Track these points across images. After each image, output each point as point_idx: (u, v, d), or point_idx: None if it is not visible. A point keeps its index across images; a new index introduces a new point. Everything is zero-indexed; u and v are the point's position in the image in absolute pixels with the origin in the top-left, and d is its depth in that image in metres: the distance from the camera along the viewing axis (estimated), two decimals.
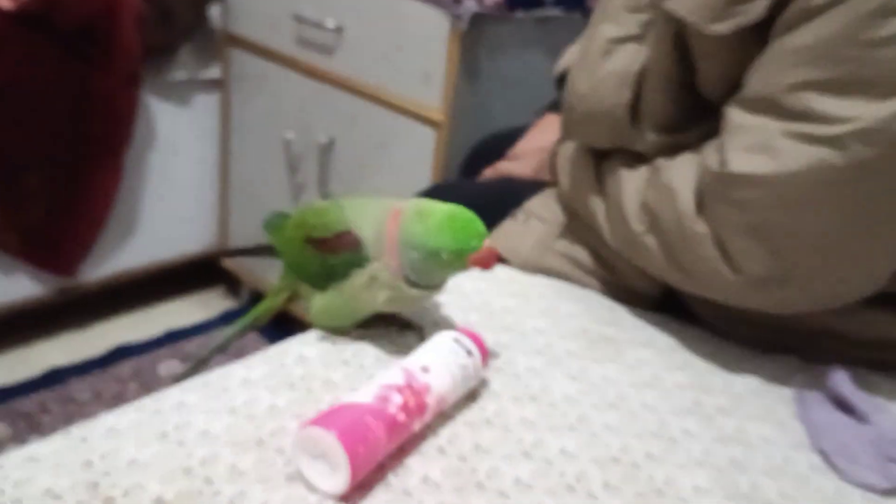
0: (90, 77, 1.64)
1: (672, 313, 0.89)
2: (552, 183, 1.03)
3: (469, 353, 0.66)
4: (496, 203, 1.00)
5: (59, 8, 1.55)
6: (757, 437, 0.70)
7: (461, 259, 0.64)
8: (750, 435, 0.70)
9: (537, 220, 0.97)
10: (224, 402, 0.64)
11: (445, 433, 0.64)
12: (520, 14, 1.46)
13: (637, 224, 0.81)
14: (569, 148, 0.95)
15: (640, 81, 0.81)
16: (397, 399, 0.59)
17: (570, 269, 0.93)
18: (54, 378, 1.75)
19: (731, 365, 0.80)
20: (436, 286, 0.70)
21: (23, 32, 1.53)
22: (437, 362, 0.64)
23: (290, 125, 1.75)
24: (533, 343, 0.78)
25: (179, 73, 1.81)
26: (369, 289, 0.69)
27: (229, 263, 2.05)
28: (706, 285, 0.78)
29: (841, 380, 0.75)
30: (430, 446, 0.62)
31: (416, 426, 0.61)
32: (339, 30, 1.57)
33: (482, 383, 0.70)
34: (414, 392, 0.60)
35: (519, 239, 0.95)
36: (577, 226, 0.94)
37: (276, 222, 0.80)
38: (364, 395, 0.59)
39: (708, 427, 0.70)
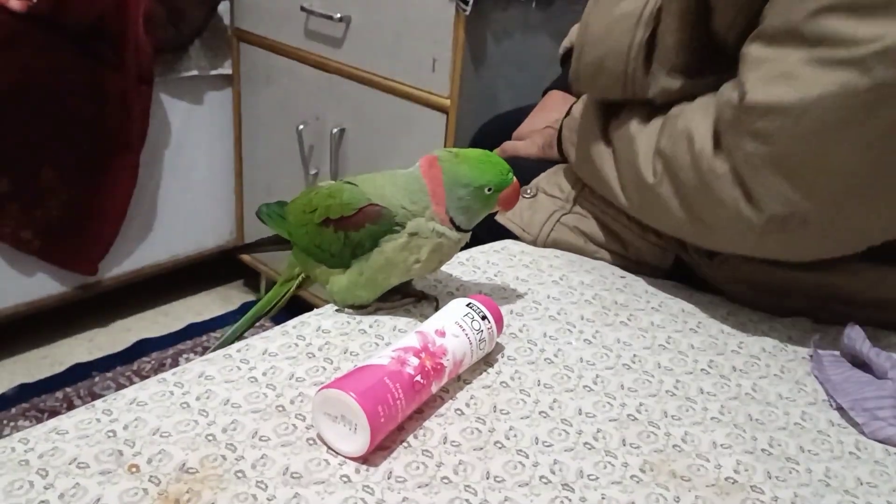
0: (103, 75, 1.66)
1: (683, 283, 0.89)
2: (559, 160, 1.03)
3: (484, 317, 0.67)
4: None
5: (69, 7, 1.57)
6: (774, 396, 0.71)
7: (496, 195, 0.71)
8: (767, 393, 0.71)
9: (546, 195, 0.97)
10: (245, 372, 0.65)
11: (463, 396, 0.65)
12: None
13: (651, 176, 0.80)
14: (574, 120, 0.95)
15: (655, 21, 0.80)
16: (414, 361, 0.60)
17: (582, 243, 0.93)
18: (78, 374, 1.77)
19: (745, 327, 0.81)
20: (470, 229, 0.73)
21: (34, 32, 1.55)
22: (451, 326, 0.65)
23: (302, 117, 1.77)
24: (547, 310, 0.79)
25: (191, 71, 1.83)
26: (407, 248, 0.71)
27: (247, 257, 2.07)
28: (724, 233, 0.76)
29: (857, 337, 0.75)
30: (448, 409, 0.63)
31: (434, 388, 0.62)
32: (346, 21, 1.57)
33: (498, 349, 0.71)
34: (430, 354, 0.61)
35: (529, 215, 0.96)
36: (587, 200, 0.94)
37: (274, 212, 0.81)
38: (381, 358, 0.60)
39: (724, 386, 0.71)
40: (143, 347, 1.89)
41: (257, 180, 1.97)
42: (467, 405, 0.64)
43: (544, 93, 1.23)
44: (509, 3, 1.46)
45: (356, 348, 0.70)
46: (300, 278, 0.80)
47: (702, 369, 0.72)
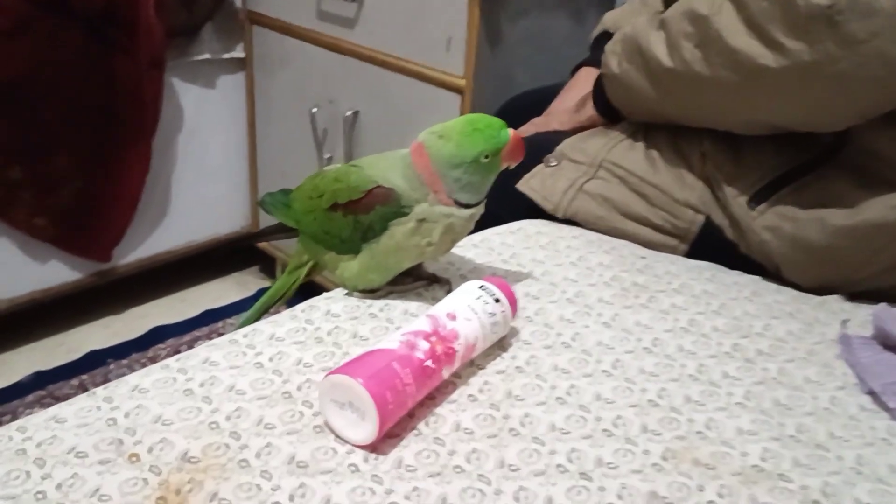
0: (114, 60, 1.64)
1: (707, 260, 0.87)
2: (590, 126, 1.01)
3: (497, 300, 0.64)
4: (528, 156, 0.98)
5: None
6: (801, 380, 0.68)
7: (498, 156, 0.67)
8: (794, 377, 0.68)
9: (569, 161, 0.94)
10: (251, 358, 0.63)
11: (476, 382, 0.62)
12: None
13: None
14: (613, 45, 0.93)
15: None
16: (424, 345, 0.57)
17: (605, 212, 0.90)
18: (93, 361, 1.77)
19: (771, 309, 0.77)
20: (482, 200, 0.70)
21: (45, 17, 1.53)
22: (463, 309, 0.62)
23: (315, 100, 1.74)
24: (564, 292, 0.76)
25: (203, 55, 1.81)
26: (418, 232, 0.68)
27: (262, 243, 2.05)
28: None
29: (888, 318, 0.72)
30: (460, 395, 0.61)
31: (445, 373, 0.59)
32: (358, 1, 1.55)
33: (512, 333, 0.68)
34: (441, 338, 0.59)
35: (551, 183, 0.93)
36: (613, 164, 0.92)
37: (278, 200, 0.79)
38: (390, 342, 0.57)
39: (749, 370, 0.68)
40: (158, 334, 1.88)
41: (271, 165, 1.96)
42: (480, 391, 0.61)
43: (573, 71, 1.19)
44: None
45: (366, 332, 0.67)
46: (309, 266, 0.78)
47: (725, 352, 0.69)
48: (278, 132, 1.90)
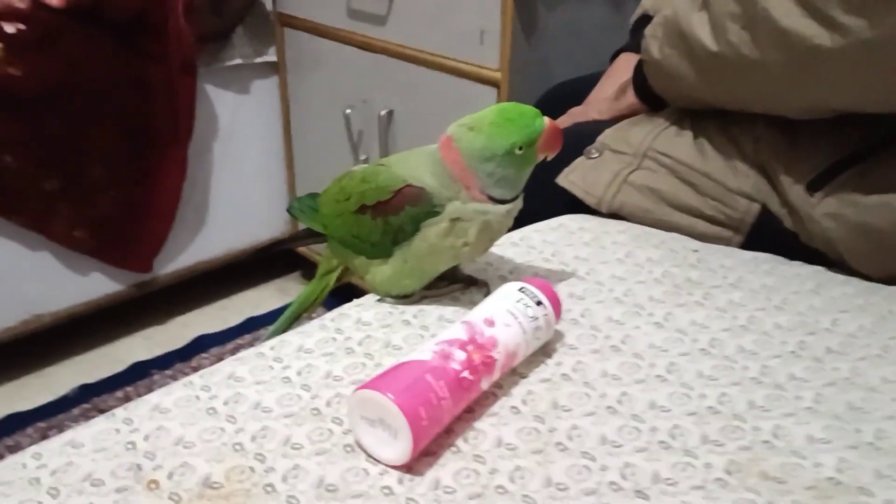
0: (146, 68, 1.63)
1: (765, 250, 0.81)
2: (632, 114, 0.96)
3: (539, 302, 0.59)
4: (567, 148, 0.93)
5: (109, 0, 1.54)
6: (878, 380, 0.61)
7: (533, 147, 0.63)
8: (868, 378, 0.62)
9: (612, 152, 0.89)
10: (278, 372, 0.59)
11: (518, 392, 0.58)
12: None
13: None
14: (653, 29, 0.88)
15: None
16: (460, 355, 0.53)
17: (652, 205, 0.85)
18: (138, 373, 1.76)
19: (838, 302, 0.71)
20: (518, 194, 0.66)
21: (75, 27, 1.52)
22: (502, 314, 0.57)
23: (349, 100, 1.71)
24: (611, 292, 0.71)
25: (235, 59, 1.79)
26: (452, 233, 0.64)
27: (302, 248, 2.03)
28: None
29: None
30: (501, 407, 0.56)
31: (485, 384, 0.55)
32: None
33: (557, 337, 0.63)
34: (478, 347, 0.54)
35: (594, 176, 0.88)
36: (660, 153, 0.86)
37: (306, 205, 0.75)
38: (423, 352, 0.53)
39: (818, 371, 0.62)
40: (201, 343, 1.86)
41: (308, 169, 1.93)
42: (524, 402, 0.57)
43: (613, 58, 1.14)
44: None
45: (399, 341, 0.63)
46: (339, 271, 0.74)
47: (791, 352, 0.64)
48: (314, 135, 1.87)
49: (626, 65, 1.06)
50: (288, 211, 0.78)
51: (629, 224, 0.85)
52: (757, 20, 0.74)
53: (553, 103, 1.13)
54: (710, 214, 0.84)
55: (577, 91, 1.14)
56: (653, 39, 0.89)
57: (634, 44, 1.04)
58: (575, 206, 0.89)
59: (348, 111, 1.70)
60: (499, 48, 1.36)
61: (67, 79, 1.55)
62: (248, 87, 1.85)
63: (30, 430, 1.59)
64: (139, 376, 1.75)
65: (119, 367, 1.78)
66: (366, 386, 0.50)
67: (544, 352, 0.62)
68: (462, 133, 0.63)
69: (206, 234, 1.89)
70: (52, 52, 1.52)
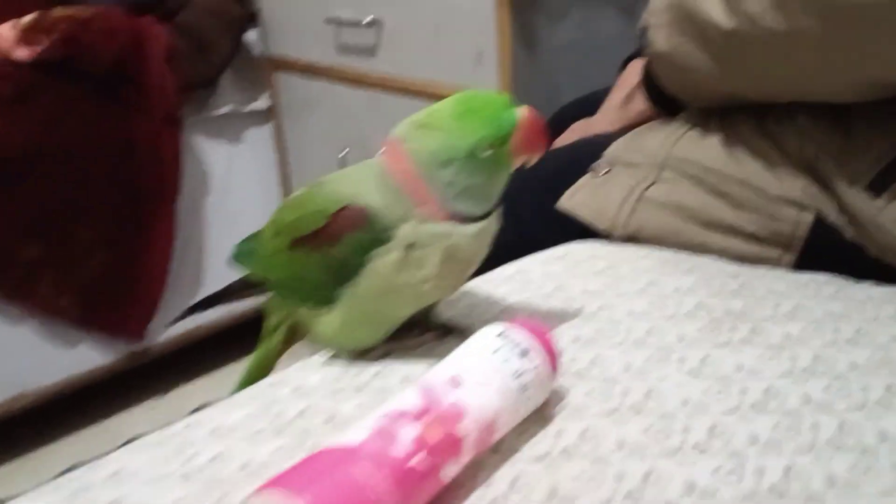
0: (129, 121, 1.52)
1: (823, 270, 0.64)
2: (644, 121, 0.81)
3: (523, 352, 0.44)
4: (571, 166, 0.79)
5: (82, 51, 1.44)
6: None
7: (505, 146, 0.48)
8: None
9: (624, 166, 0.74)
10: (179, 464, 0.44)
11: (504, 476, 0.42)
12: None
13: None
14: (656, 16, 0.73)
15: None
16: (409, 433, 0.37)
17: (678, 224, 0.70)
18: None
19: None
20: (491, 208, 0.51)
21: (49, 82, 1.43)
22: (473, 371, 0.42)
23: (347, 142, 1.58)
24: (629, 332, 0.55)
25: (225, 107, 1.68)
26: (408, 265, 0.49)
27: None
28: None
29: None
30: (480, 499, 0.40)
31: (450, 472, 0.39)
32: (377, 25, 1.39)
33: (556, 396, 0.48)
34: (438, 420, 0.39)
35: (603, 195, 0.73)
36: (684, 160, 0.71)
37: (245, 247, 0.61)
38: (358, 432, 0.38)
39: None
40: None
41: None
42: (512, 488, 0.41)
43: (623, 66, 0.99)
44: None
45: (349, 412, 0.48)
46: (286, 328, 0.60)
47: (876, 402, 0.47)
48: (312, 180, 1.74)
49: (636, 73, 0.92)
50: (232, 257, 0.64)
51: (652, 248, 0.70)
52: None
53: (565, 125, 0.99)
54: (751, 231, 0.68)
55: (589, 109, 0.99)
56: (658, 29, 0.74)
57: (641, 50, 0.90)
58: (585, 234, 0.73)
59: (344, 153, 1.57)
60: (498, 68, 1.22)
61: (45, 137, 1.45)
62: (241, 136, 1.74)
63: None
64: None
65: (118, 443, 1.63)
66: (268, 486, 0.35)
67: (539, 418, 0.46)
68: (411, 131, 0.49)
69: (203, 296, 1.75)
70: (26, 110, 1.43)
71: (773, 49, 0.63)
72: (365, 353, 0.54)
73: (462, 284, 0.54)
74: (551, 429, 0.45)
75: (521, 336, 0.44)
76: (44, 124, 1.45)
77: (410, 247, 0.48)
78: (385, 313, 0.52)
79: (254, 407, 0.49)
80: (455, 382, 0.41)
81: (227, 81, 1.68)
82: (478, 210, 0.49)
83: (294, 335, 0.60)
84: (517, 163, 0.50)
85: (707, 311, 0.57)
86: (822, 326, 0.55)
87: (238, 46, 1.65)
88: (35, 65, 1.41)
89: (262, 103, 1.73)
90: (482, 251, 0.51)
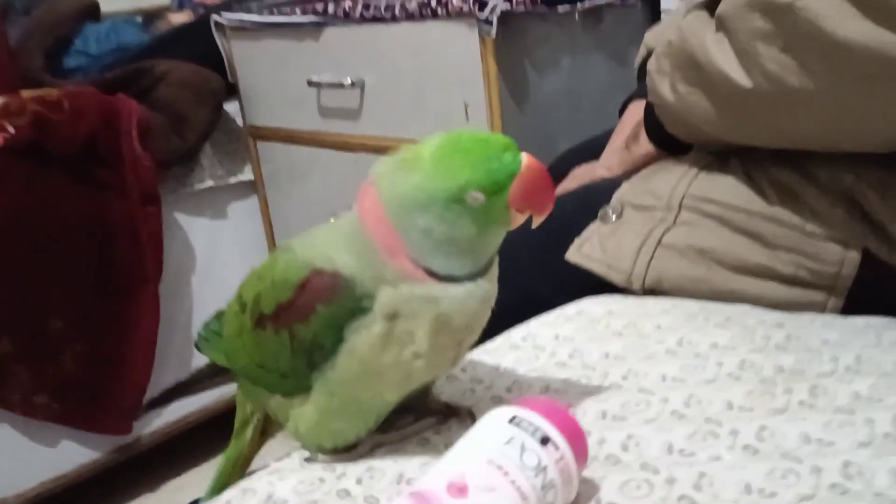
0: (103, 202, 1.45)
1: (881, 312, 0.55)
2: (649, 161, 0.73)
3: (544, 440, 0.35)
4: (576, 214, 0.70)
5: (53, 132, 1.37)
6: None
7: (500, 197, 0.39)
8: None
9: (634, 210, 0.66)
10: None
11: None
12: (562, 8, 1.17)
13: None
14: (657, 61, 0.66)
15: None
16: None
17: (702, 272, 0.61)
18: None
19: None
20: (481, 270, 0.41)
21: (19, 165, 1.36)
22: (481, 472, 0.33)
23: (334, 207, 1.50)
24: (665, 403, 0.46)
25: (205, 182, 1.61)
26: (393, 340, 0.40)
27: None
28: None
29: None
30: None
31: None
32: (358, 85, 1.33)
33: (588, 491, 0.38)
34: None
35: (614, 244, 0.64)
36: (703, 199, 0.63)
37: (210, 329, 0.53)
38: None
39: None
40: None
41: None
42: None
43: (622, 109, 0.92)
44: (546, 22, 1.18)
45: None
46: (256, 421, 0.51)
47: None
48: None
49: (637, 114, 0.85)
50: (196, 343, 0.56)
51: (675, 300, 0.61)
52: (801, 37, 0.52)
53: (564, 173, 0.91)
54: (789, 273, 0.59)
55: (590, 156, 0.92)
56: (660, 77, 0.67)
57: (643, 89, 0.83)
58: (595, 288, 0.65)
59: (333, 219, 1.50)
60: (487, 119, 1.15)
61: (15, 222, 1.37)
62: (225, 211, 1.66)
63: None
64: None
65: None
66: None
67: None
68: (386, 173, 0.41)
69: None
70: None
71: (798, 107, 0.56)
72: (348, 451, 0.44)
73: (462, 357, 0.45)
74: None
75: (538, 420, 0.35)
76: (14, 209, 1.37)
77: (393, 317, 0.40)
78: (369, 401, 0.43)
79: None
80: (458, 490, 0.32)
81: (207, 155, 1.61)
82: (459, 269, 0.40)
83: (270, 427, 0.51)
84: (517, 220, 0.41)
85: (754, 371, 0.48)
86: (894, 382, 0.46)
87: (217, 119, 1.58)
88: (3, 150, 1.34)
89: (244, 175, 1.66)
90: (482, 316, 0.42)
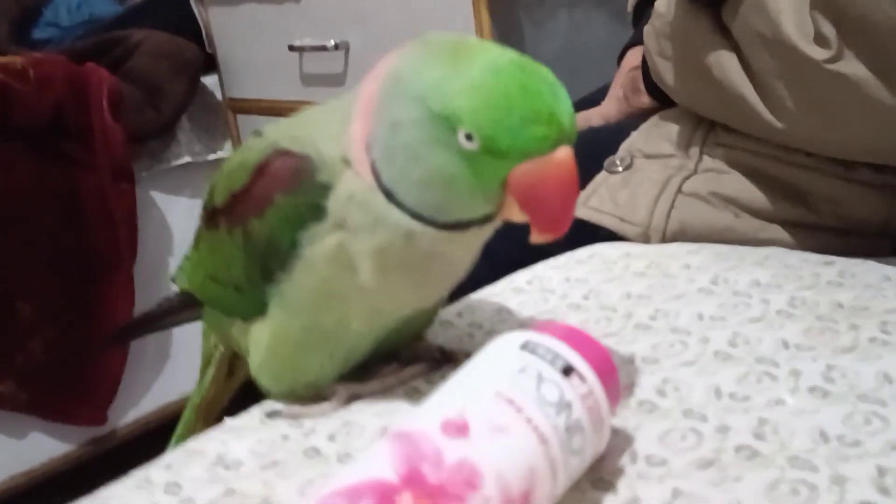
0: (74, 179, 1.36)
1: None
2: (652, 109, 0.65)
3: (567, 370, 0.26)
4: (580, 161, 0.62)
5: (16, 103, 1.29)
6: None
7: (497, 162, 0.29)
8: None
9: (646, 158, 0.58)
10: None
11: None
12: None
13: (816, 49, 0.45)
14: (661, 19, 0.58)
15: None
16: None
17: (730, 219, 0.53)
18: None
19: None
20: (455, 226, 0.32)
21: None
22: (487, 406, 0.25)
23: None
24: (706, 344, 0.38)
25: (182, 158, 1.52)
26: (342, 260, 0.32)
27: None
28: None
29: None
30: None
31: None
32: (342, 48, 1.25)
33: (620, 443, 0.30)
34: (427, 494, 0.21)
35: (627, 195, 0.56)
36: (727, 137, 0.55)
37: (184, 258, 0.45)
38: None
39: None
40: None
41: None
42: None
43: (620, 57, 0.84)
44: None
45: (292, 494, 0.30)
46: (219, 357, 0.43)
47: None
48: None
49: (636, 62, 0.77)
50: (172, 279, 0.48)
51: (701, 244, 0.53)
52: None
53: None
54: (830, 224, 0.52)
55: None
56: (662, 60, 0.59)
57: (641, 35, 0.75)
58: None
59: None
60: None
61: None
62: (203, 188, 1.58)
63: None
64: None
65: None
66: None
67: (595, 476, 0.28)
68: (416, 51, 0.32)
69: (171, 371, 1.57)
70: None
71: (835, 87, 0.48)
72: (317, 399, 0.36)
73: (443, 292, 0.37)
74: (621, 494, 0.28)
75: (558, 346, 0.27)
76: None
77: (341, 226, 0.31)
78: (334, 329, 0.34)
79: (149, 495, 0.32)
80: (457, 428, 0.23)
81: (184, 130, 1.52)
82: (417, 204, 0.31)
83: (238, 366, 0.44)
84: (508, 211, 0.31)
85: (808, 309, 0.40)
86: None
87: (194, 90, 1.50)
88: None
89: (224, 152, 1.58)
90: (464, 259, 0.34)
